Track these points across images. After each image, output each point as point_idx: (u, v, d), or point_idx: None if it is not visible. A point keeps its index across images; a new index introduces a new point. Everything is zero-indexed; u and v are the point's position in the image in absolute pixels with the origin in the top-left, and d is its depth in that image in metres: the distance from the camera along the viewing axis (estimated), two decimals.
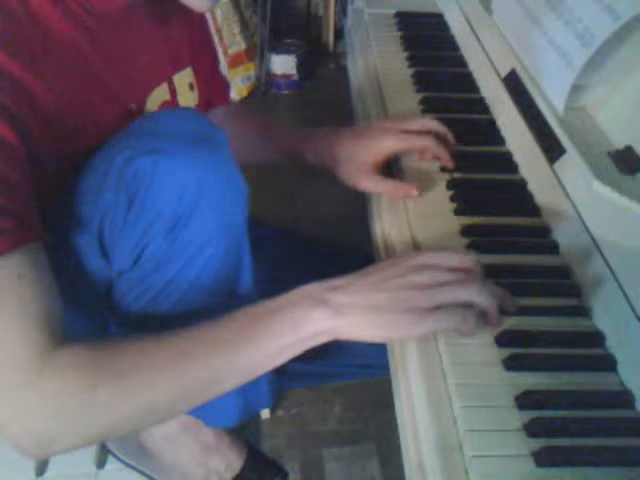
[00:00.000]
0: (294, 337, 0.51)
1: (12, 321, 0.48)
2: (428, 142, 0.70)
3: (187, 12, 0.62)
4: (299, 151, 0.80)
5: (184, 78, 0.73)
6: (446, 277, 0.52)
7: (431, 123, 0.72)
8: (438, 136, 0.71)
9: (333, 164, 0.74)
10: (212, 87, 0.82)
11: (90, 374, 0.49)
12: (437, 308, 0.51)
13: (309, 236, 1.00)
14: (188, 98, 0.74)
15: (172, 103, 0.70)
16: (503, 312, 0.55)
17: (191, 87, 0.74)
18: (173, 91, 0.70)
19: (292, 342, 0.51)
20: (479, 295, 0.51)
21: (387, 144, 0.71)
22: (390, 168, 0.75)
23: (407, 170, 0.73)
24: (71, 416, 0.49)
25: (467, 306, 0.51)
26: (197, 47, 0.76)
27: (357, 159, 0.71)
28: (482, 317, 0.53)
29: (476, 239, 0.64)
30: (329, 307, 0.51)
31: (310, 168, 0.79)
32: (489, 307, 0.52)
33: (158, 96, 0.68)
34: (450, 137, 0.72)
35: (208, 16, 1.86)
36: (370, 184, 0.71)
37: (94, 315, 0.67)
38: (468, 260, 0.54)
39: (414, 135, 0.71)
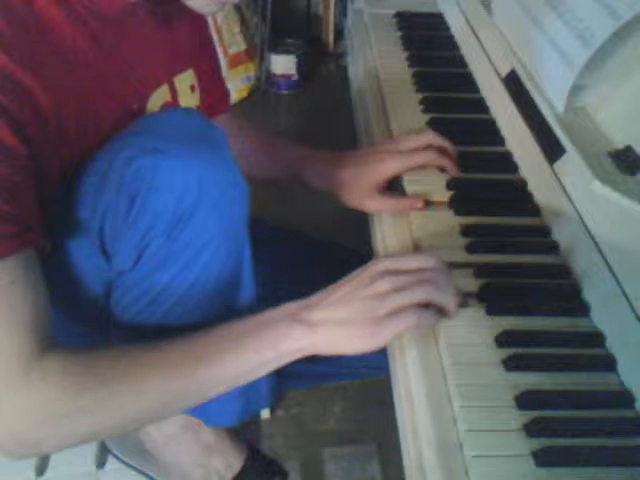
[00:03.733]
0: (274, 353, 0.54)
1: (0, 326, 0.48)
2: (430, 157, 0.71)
3: (189, 14, 0.62)
4: (302, 174, 0.81)
5: (185, 80, 0.73)
6: (404, 280, 0.54)
7: (429, 138, 0.73)
8: (439, 148, 0.72)
9: (337, 189, 0.76)
10: (213, 93, 0.82)
11: (75, 381, 0.50)
12: (397, 313, 0.53)
13: (309, 237, 1.00)
14: (189, 99, 0.74)
15: (173, 104, 0.70)
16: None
17: (192, 89, 0.74)
18: (174, 92, 0.70)
19: (273, 357, 0.54)
20: (434, 292, 0.54)
21: (390, 167, 0.72)
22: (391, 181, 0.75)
23: (407, 174, 0.73)
24: (55, 421, 0.50)
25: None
26: (199, 49, 0.76)
27: (361, 183, 0.73)
28: (441, 311, 0.55)
29: (476, 239, 0.64)
30: (303, 324, 0.54)
31: (309, 189, 0.81)
32: (444, 303, 0.54)
33: (159, 97, 0.68)
34: (451, 148, 0.73)
35: (208, 16, 1.85)
36: (374, 204, 0.73)
37: (93, 316, 0.67)
38: (430, 260, 0.56)
39: (415, 153, 0.72)
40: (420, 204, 0.68)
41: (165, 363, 0.53)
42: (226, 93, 0.89)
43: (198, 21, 0.77)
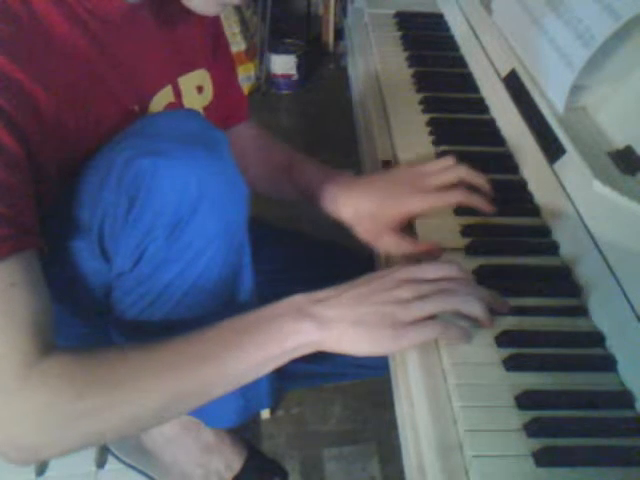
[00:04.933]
0: (280, 349, 0.52)
1: (0, 329, 0.48)
2: (460, 197, 0.64)
3: (196, 15, 0.62)
4: (317, 198, 0.73)
5: (191, 80, 0.72)
6: (429, 289, 0.53)
7: (461, 173, 0.66)
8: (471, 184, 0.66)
9: (351, 220, 0.69)
10: (227, 99, 0.81)
11: (75, 384, 0.49)
12: (422, 320, 0.52)
13: (309, 237, 1.00)
14: (194, 100, 0.73)
15: (177, 105, 0.70)
16: (496, 313, 0.55)
17: (199, 90, 0.74)
18: (178, 93, 0.70)
19: (278, 353, 0.52)
20: (463, 303, 0.53)
21: (415, 205, 0.66)
22: None
23: None
24: (55, 426, 0.49)
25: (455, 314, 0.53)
26: (211, 51, 0.76)
27: (379, 219, 0.67)
28: (473, 322, 0.54)
29: (476, 239, 0.64)
30: (314, 320, 0.52)
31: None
32: (475, 313, 0.53)
33: (162, 98, 0.68)
34: (484, 184, 0.66)
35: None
36: (388, 243, 0.66)
37: (93, 318, 0.67)
38: (453, 269, 0.55)
39: (444, 192, 0.65)
40: (438, 252, 0.63)
41: (165, 363, 0.51)
42: (242, 101, 0.86)
43: (211, 23, 0.75)
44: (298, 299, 0.54)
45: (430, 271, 0.55)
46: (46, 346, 0.50)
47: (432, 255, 0.63)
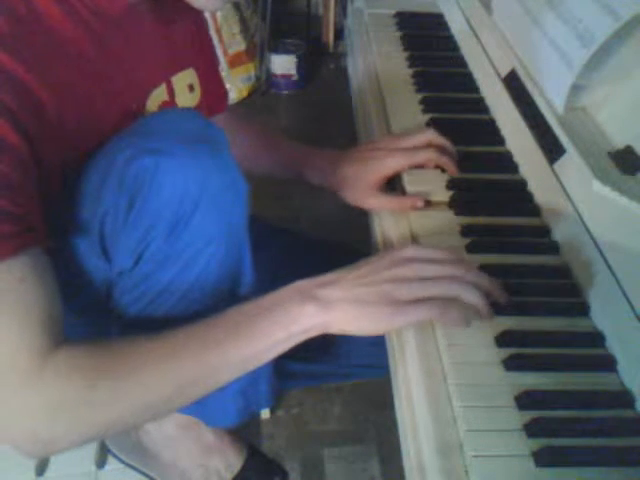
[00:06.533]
0: (286, 332, 0.53)
1: (12, 324, 0.48)
2: (431, 155, 0.71)
3: (189, 13, 0.62)
4: (301, 168, 0.82)
5: (183, 79, 0.73)
6: (431, 271, 0.53)
7: (430, 136, 0.73)
8: (439, 147, 0.73)
9: (338, 185, 0.77)
10: (212, 92, 0.82)
11: (88, 375, 0.50)
12: (421, 300, 0.52)
13: (309, 236, 1.00)
14: (187, 99, 0.74)
15: (170, 104, 0.70)
16: (497, 307, 0.55)
17: (190, 88, 0.74)
18: (171, 92, 0.70)
19: (284, 337, 0.53)
20: (464, 291, 0.53)
21: (392, 164, 0.72)
22: (391, 180, 0.75)
23: (407, 174, 0.73)
24: (70, 417, 0.50)
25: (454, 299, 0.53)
26: (198, 49, 0.76)
27: (363, 180, 0.73)
28: (471, 310, 0.53)
29: (476, 239, 0.64)
30: (318, 302, 0.53)
31: (311, 185, 0.82)
32: (474, 301, 0.53)
33: (157, 97, 0.68)
34: (450, 147, 0.73)
35: (208, 16, 1.86)
36: (375, 202, 0.73)
37: (94, 316, 0.67)
38: (455, 255, 0.56)
39: (415, 151, 0.72)
40: (421, 203, 0.68)
41: (173, 351, 0.52)
42: (224, 93, 0.89)
43: (197, 20, 0.77)
44: (301, 284, 0.55)
45: (434, 253, 0.55)
46: (57, 339, 0.51)
47: (417, 207, 0.68)
